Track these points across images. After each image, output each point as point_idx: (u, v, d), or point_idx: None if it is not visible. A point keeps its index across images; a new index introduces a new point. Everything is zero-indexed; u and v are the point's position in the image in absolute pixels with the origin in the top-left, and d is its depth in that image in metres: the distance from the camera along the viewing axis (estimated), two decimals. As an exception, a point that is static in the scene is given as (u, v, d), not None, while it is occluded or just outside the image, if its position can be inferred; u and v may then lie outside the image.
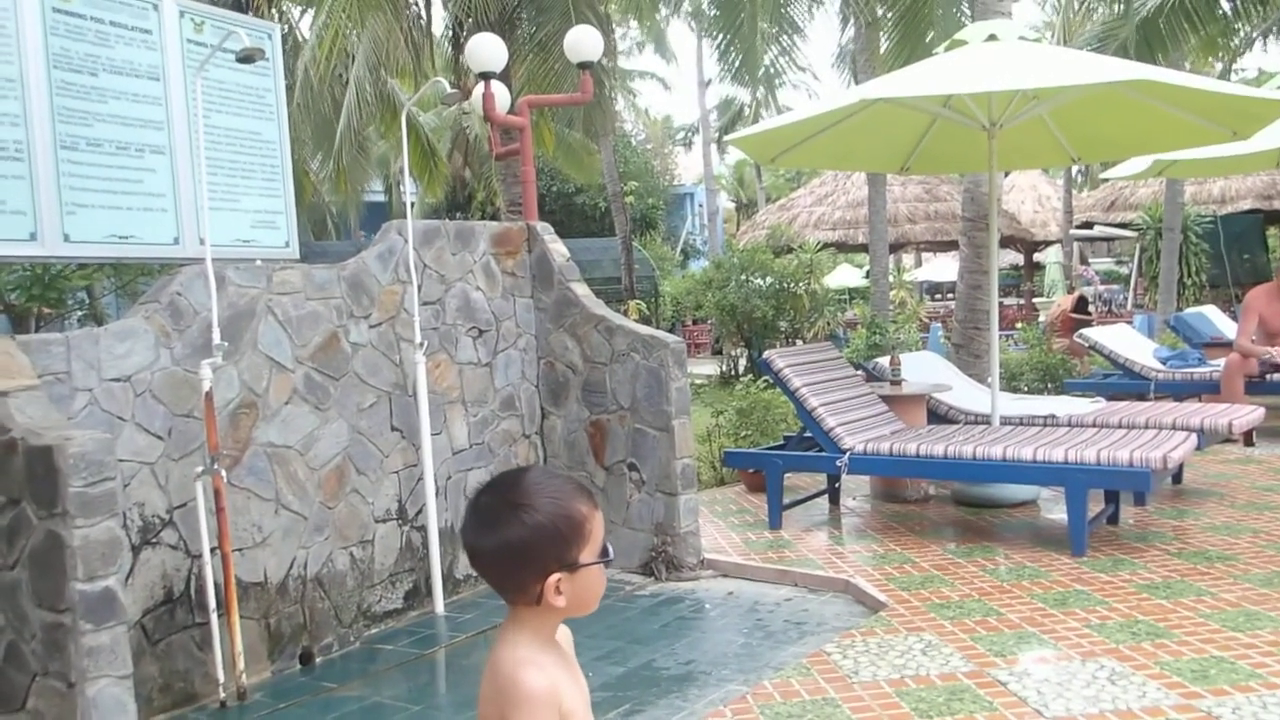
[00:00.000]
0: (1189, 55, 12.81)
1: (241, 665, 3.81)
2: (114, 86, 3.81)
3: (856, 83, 12.13)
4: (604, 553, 1.58)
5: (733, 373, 14.05)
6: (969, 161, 7.30)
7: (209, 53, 4.02)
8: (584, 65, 5.92)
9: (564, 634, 1.67)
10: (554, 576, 1.52)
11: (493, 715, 1.53)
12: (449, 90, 5.48)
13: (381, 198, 25.20)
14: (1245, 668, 3.50)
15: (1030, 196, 23.43)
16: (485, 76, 5.53)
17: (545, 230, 5.54)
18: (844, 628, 4.21)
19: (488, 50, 5.44)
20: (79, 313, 9.41)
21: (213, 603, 3.76)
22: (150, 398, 3.71)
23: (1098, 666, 3.60)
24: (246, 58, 3.81)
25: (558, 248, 5.51)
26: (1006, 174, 21.77)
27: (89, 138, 3.72)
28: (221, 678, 3.77)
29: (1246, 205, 16.11)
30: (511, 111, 6.28)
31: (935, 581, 4.68)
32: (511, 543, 1.51)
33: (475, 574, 4.99)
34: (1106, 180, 16.77)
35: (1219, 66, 17.40)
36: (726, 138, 7.15)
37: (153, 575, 3.70)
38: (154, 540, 3.70)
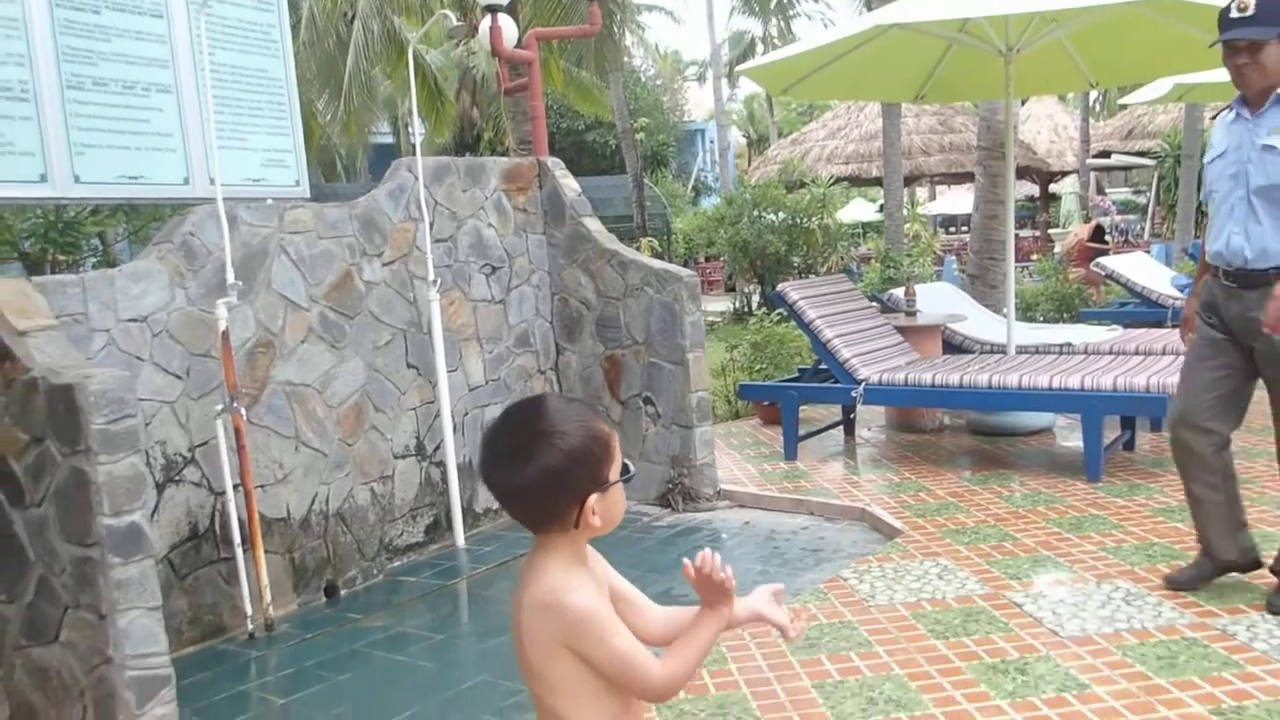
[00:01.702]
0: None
1: (268, 598, 3.88)
2: (117, 24, 3.77)
3: (870, 10, 11.90)
4: (625, 470, 1.59)
5: (746, 309, 14.02)
6: (985, 89, 7.18)
7: (213, -12, 3.98)
8: (592, -4, 5.83)
9: (594, 557, 1.68)
10: (592, 497, 1.53)
11: (548, 647, 1.53)
12: (455, 24, 5.42)
13: (389, 139, 25.03)
14: (1260, 588, 3.53)
15: (1046, 126, 23.11)
16: (492, 9, 5.46)
17: (556, 165, 5.50)
18: (860, 554, 4.24)
19: (494, -18, 5.36)
20: (93, 260, 9.42)
21: (237, 538, 3.82)
22: (167, 337, 3.73)
23: (1112, 588, 3.63)
24: (250, -8, 3.76)
25: (569, 183, 5.47)
26: (1023, 102, 21.45)
27: (94, 77, 3.69)
28: (249, 610, 3.84)
29: (1267, 130, 15.83)
30: (519, 46, 6.20)
31: (951, 509, 4.70)
32: (552, 470, 1.50)
33: (496, 508, 5.06)
34: (1125, 107, 16.51)
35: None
36: (738, 68, 7.05)
37: (177, 512, 3.75)
38: (177, 478, 3.75)
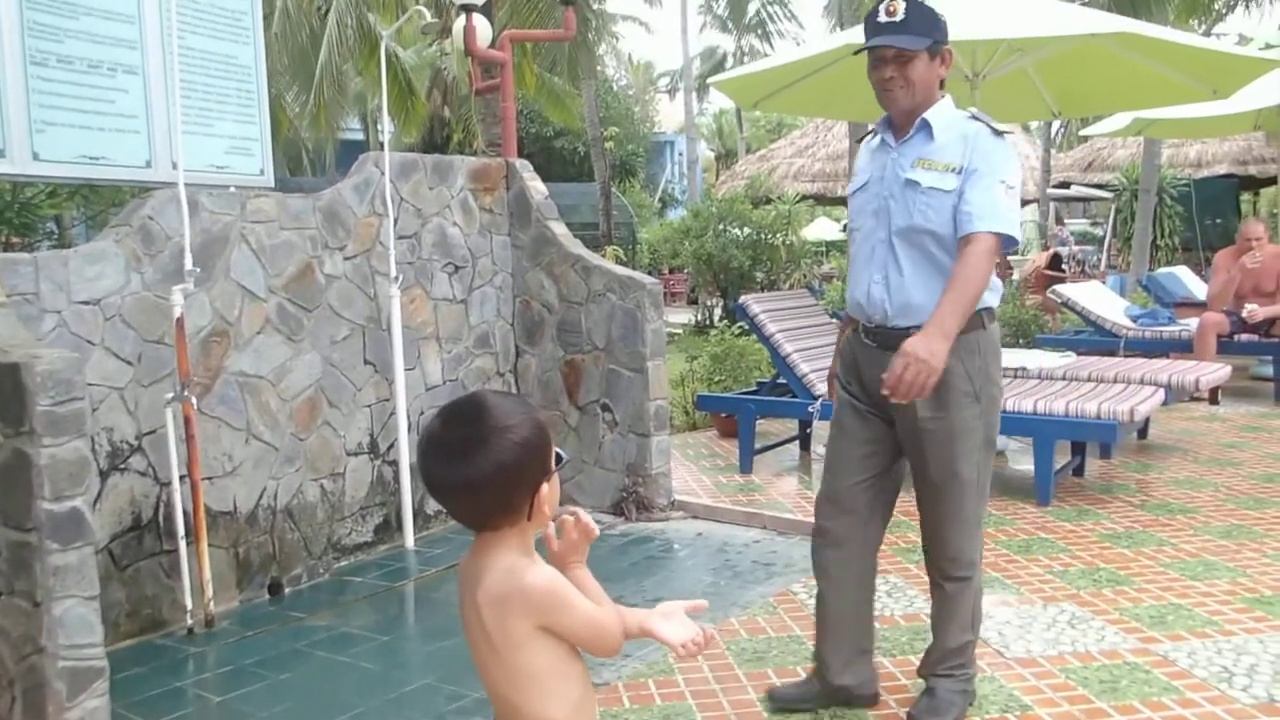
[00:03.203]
0: (1171, 15, 12.76)
1: (209, 593, 3.81)
2: (86, 2, 3.70)
3: (843, 29, 12.01)
4: (558, 458, 1.60)
5: (708, 321, 14.05)
6: (951, 113, 7.27)
7: (183, -29, 3.92)
8: (567, 2, 5.83)
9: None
10: (544, 486, 1.55)
11: (513, 632, 1.53)
12: (428, 20, 5.39)
13: (359, 135, 24.82)
14: (1202, 615, 3.58)
15: (1010, 155, 23.38)
16: (467, 9, 5.43)
17: (524, 167, 5.48)
18: (811, 569, 4.24)
19: (469, -19, 5.33)
20: (48, 243, 9.25)
21: (181, 530, 3.75)
22: (120, 322, 3.66)
23: (1058, 611, 3.67)
24: (222, -23, 3.71)
25: (536, 185, 5.46)
26: (987, 131, 21.70)
27: (59, 54, 3.62)
28: (189, 605, 3.77)
29: (1222, 169, 16.21)
30: (493, 47, 6.18)
31: (902, 527, 4.72)
32: (508, 463, 1.51)
33: (444, 510, 5.03)
34: (1086, 139, 16.80)
35: (1200, 29, 17.37)
36: (710, 79, 7.09)
37: (121, 501, 3.68)
38: (122, 466, 3.68)
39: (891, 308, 2.74)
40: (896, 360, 2.55)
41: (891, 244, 2.75)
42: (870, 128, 3.00)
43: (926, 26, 2.68)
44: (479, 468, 1.50)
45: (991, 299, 2.75)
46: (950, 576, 2.86)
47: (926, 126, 2.74)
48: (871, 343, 2.82)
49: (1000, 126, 2.74)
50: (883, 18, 2.68)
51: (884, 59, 2.71)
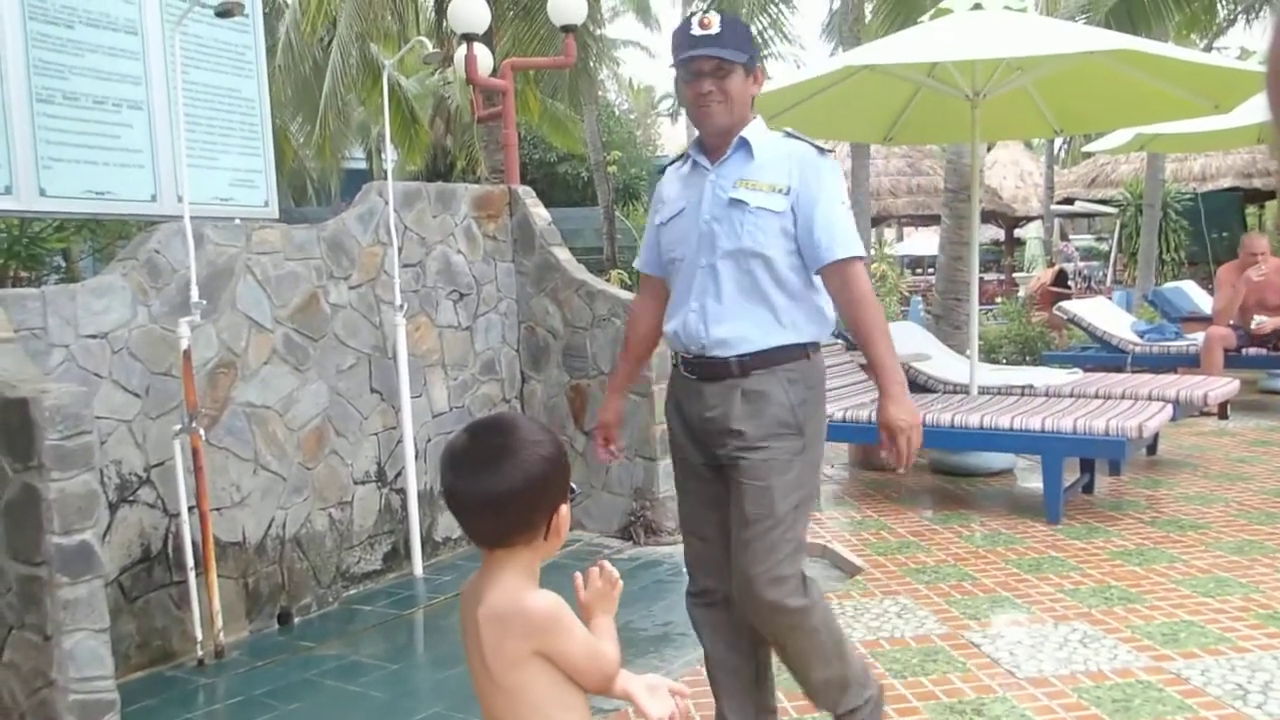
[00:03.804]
0: (1172, 31, 12.82)
1: (219, 624, 3.81)
2: (90, 39, 3.75)
3: (844, 52, 12.08)
4: (571, 490, 1.65)
5: (714, 343, 14.03)
6: (952, 132, 7.30)
7: (187, 6, 3.96)
8: (567, 28, 5.87)
9: None
10: (564, 507, 1.58)
11: (510, 653, 1.54)
12: (430, 50, 5.44)
13: (362, 164, 24.97)
14: (1215, 631, 3.56)
15: (1012, 172, 23.47)
16: (468, 38, 5.48)
17: (527, 194, 5.51)
18: (820, 591, 4.23)
19: (470, 10, 5.39)
20: (55, 276, 9.30)
21: (190, 561, 3.75)
22: (128, 355, 3.68)
23: (1070, 629, 3.65)
24: (225, 11, 3.77)
25: (539, 211, 5.48)
26: (990, 147, 21.78)
27: (65, 91, 3.66)
28: (199, 636, 3.77)
29: (1227, 183, 16.21)
30: (495, 75, 6.23)
31: (911, 547, 4.72)
32: (535, 476, 1.54)
33: (456, 537, 5.02)
34: (1089, 155, 16.82)
35: (1201, 44, 17.42)
36: (710, 104, 7.11)
37: (130, 533, 3.69)
38: (131, 498, 3.69)
39: (708, 338, 2.55)
40: (887, 443, 2.54)
41: (715, 270, 2.56)
42: (670, 158, 2.86)
43: (742, 41, 2.56)
44: (507, 480, 1.53)
45: (817, 332, 2.62)
46: (774, 621, 2.53)
47: (745, 145, 2.59)
48: (690, 375, 2.63)
49: (821, 144, 2.63)
50: (697, 30, 2.51)
51: (701, 72, 2.52)
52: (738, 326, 2.54)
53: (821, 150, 2.60)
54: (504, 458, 1.54)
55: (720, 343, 2.54)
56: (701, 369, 2.59)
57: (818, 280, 2.59)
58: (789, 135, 2.65)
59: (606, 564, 1.68)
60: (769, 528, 2.48)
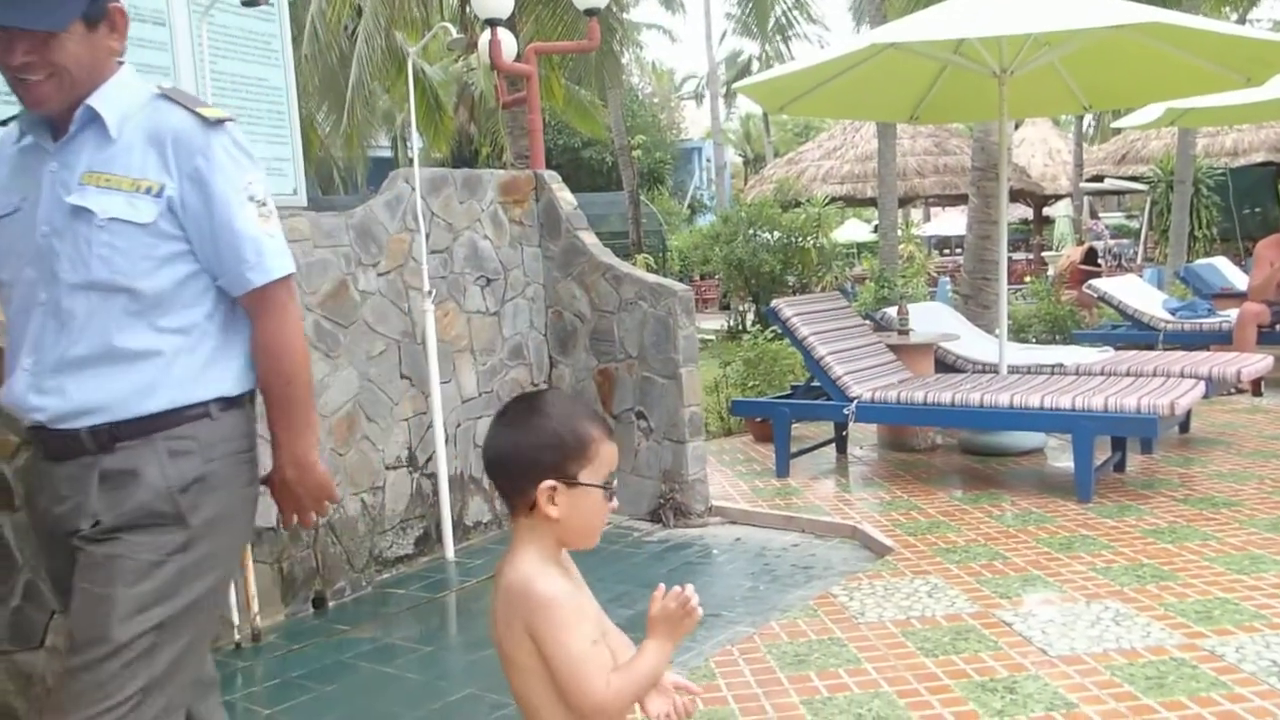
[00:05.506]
0: (1204, 3, 12.61)
1: (255, 608, 3.86)
2: (119, 31, 3.78)
3: (871, 28, 11.99)
4: (607, 485, 1.62)
5: (740, 327, 14.04)
6: (979, 109, 7.23)
7: (213, -3, 3.99)
8: (591, 12, 5.87)
9: (568, 561, 1.71)
10: (548, 482, 1.58)
11: (515, 630, 1.57)
12: (454, 36, 5.44)
13: (387, 152, 25.11)
14: (1249, 609, 3.53)
15: (1040, 150, 23.24)
16: (492, 24, 5.49)
17: (553, 179, 5.52)
18: (850, 571, 4.24)
19: (494, -4, 5.39)
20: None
21: (226, 546, 3.80)
22: (161, 344, 3.72)
23: (1102, 608, 3.63)
24: (251, 1, 3.78)
25: (565, 196, 5.49)
26: (1017, 125, 21.57)
27: (95, 83, 3.70)
28: (236, 620, 3.82)
29: (1259, 158, 15.96)
30: (519, 60, 6.23)
31: (941, 527, 4.71)
32: (520, 444, 1.60)
33: (486, 520, 5.06)
34: (1118, 131, 16.63)
35: (1233, 16, 17.14)
36: (735, 85, 7.10)
37: (167, 519, 3.74)
38: (167, 485, 3.74)
39: (56, 402, 1.81)
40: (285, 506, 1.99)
41: (59, 309, 1.80)
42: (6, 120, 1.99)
43: None
44: (506, 438, 1.62)
45: (234, 381, 1.96)
46: None
47: (96, 119, 1.83)
48: (39, 451, 1.90)
49: (214, 111, 1.88)
50: None
51: (11, 43, 1.76)
52: (91, 388, 1.80)
53: (209, 121, 1.85)
54: (509, 422, 1.63)
55: (77, 413, 1.80)
56: (49, 444, 1.85)
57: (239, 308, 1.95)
58: (163, 97, 1.88)
59: (689, 589, 1.67)
60: (100, 658, 1.73)
